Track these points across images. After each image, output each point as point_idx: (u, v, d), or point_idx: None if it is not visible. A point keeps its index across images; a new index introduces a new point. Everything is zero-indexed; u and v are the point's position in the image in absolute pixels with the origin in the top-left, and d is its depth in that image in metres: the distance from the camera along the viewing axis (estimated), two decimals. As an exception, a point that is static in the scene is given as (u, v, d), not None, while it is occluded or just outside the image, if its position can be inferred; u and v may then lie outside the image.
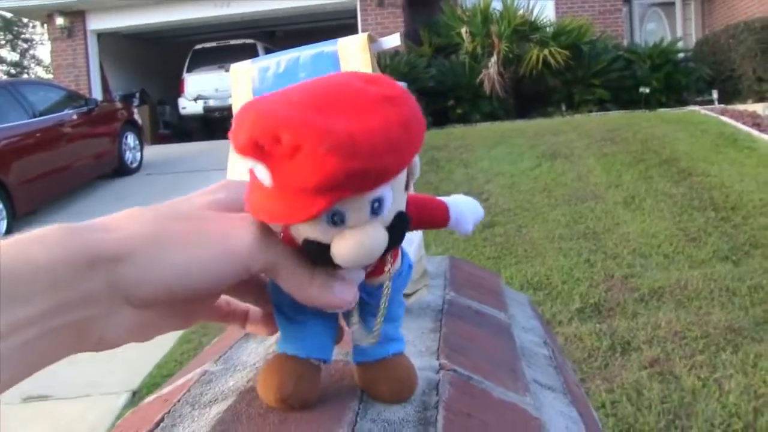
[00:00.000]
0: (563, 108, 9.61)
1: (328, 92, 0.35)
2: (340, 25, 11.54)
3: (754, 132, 6.66)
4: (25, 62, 27.07)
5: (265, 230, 0.37)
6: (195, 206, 0.39)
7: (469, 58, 9.64)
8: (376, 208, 0.35)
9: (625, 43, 11.33)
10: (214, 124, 12.24)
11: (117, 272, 0.33)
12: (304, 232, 0.36)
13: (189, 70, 12.11)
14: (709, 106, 8.88)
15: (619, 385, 2.54)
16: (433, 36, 10.64)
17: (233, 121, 0.34)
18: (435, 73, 9.50)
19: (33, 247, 0.31)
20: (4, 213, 6.16)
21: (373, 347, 0.44)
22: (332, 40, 0.81)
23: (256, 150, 0.33)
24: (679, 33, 12.37)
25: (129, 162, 8.75)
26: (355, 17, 11.29)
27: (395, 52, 9.31)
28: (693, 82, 9.84)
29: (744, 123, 7.10)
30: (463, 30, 9.79)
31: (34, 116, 7.04)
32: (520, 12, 9.88)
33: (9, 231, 6.15)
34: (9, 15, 19.08)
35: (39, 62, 27.00)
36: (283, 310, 0.43)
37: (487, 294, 0.88)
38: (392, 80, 0.36)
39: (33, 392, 3.06)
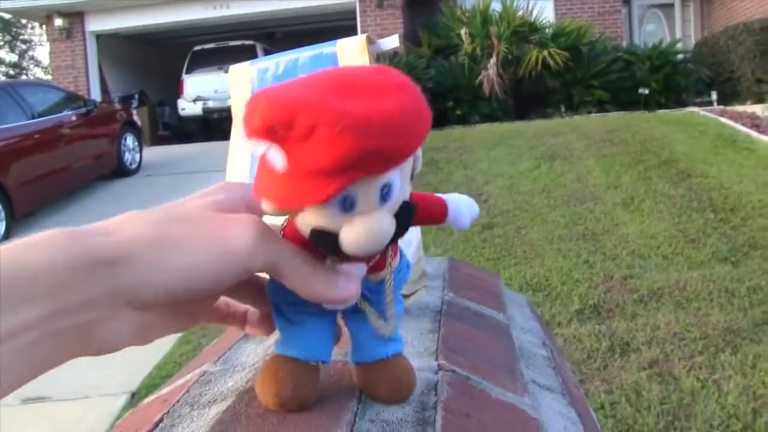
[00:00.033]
0: (562, 109, 9.61)
1: (340, 79, 0.35)
2: (339, 26, 11.54)
3: (753, 133, 6.66)
4: (24, 63, 27.10)
5: (264, 229, 0.37)
6: (194, 208, 0.39)
7: (469, 59, 9.64)
8: (385, 195, 0.36)
9: (625, 44, 11.34)
10: (213, 125, 12.25)
11: (117, 275, 0.33)
12: (313, 220, 0.36)
13: (188, 72, 12.11)
14: (708, 108, 8.89)
15: (618, 386, 2.54)
16: (433, 37, 10.64)
17: (245, 108, 0.35)
18: (434, 74, 9.50)
19: (33, 252, 0.31)
20: (2, 214, 6.16)
21: (373, 348, 0.44)
22: (331, 42, 0.81)
23: (270, 133, 0.33)
24: (679, 34, 12.38)
25: (128, 163, 8.76)
26: (355, 18, 11.29)
27: (394, 54, 9.31)
28: (692, 83, 9.85)
29: (743, 124, 7.11)
30: (463, 31, 9.79)
31: (33, 117, 7.04)
32: (520, 13, 9.88)
33: (8, 232, 6.15)
34: (8, 16, 19.11)
35: (38, 63, 27.03)
36: (282, 310, 0.43)
37: (485, 295, 0.88)
38: (398, 71, 0.37)
39: (32, 394, 3.06)
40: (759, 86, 9.07)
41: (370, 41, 0.79)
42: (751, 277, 3.48)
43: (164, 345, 3.49)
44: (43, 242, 0.32)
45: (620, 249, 4.09)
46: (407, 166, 0.38)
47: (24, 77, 24.74)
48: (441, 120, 9.18)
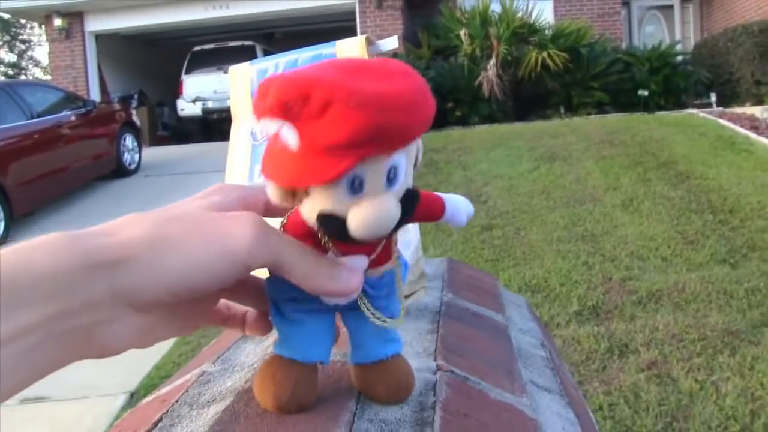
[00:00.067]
0: (562, 110, 9.61)
1: (352, 64, 0.37)
2: (339, 27, 11.53)
3: (752, 135, 6.67)
4: (23, 63, 27.08)
5: (263, 226, 0.38)
6: (192, 209, 0.39)
7: (468, 60, 9.64)
8: (391, 177, 0.37)
9: (624, 45, 11.35)
10: (212, 125, 12.24)
11: (119, 277, 0.33)
12: (320, 204, 0.37)
13: (187, 72, 12.10)
14: (708, 109, 8.90)
15: (616, 388, 2.54)
16: (432, 38, 10.64)
17: (257, 91, 0.36)
18: (433, 75, 9.50)
19: (34, 255, 0.31)
20: (1, 215, 6.15)
21: (372, 348, 0.44)
22: (330, 42, 0.81)
23: (284, 110, 0.34)
24: (678, 36, 12.40)
25: (127, 163, 8.75)
26: (354, 19, 11.29)
27: (394, 55, 9.01)
28: (691, 85, 9.86)
29: (742, 126, 7.12)
30: (462, 32, 9.79)
31: (32, 117, 7.03)
32: (519, 14, 9.88)
33: (7, 232, 6.14)
34: (7, 16, 19.10)
35: (37, 63, 27.01)
36: (281, 308, 0.43)
37: (484, 296, 0.88)
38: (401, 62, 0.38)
39: (31, 394, 3.06)
40: (758, 88, 9.08)
41: (370, 42, 0.79)
42: (749, 279, 3.48)
43: (163, 345, 3.49)
44: (44, 245, 0.32)
45: (619, 250, 4.09)
46: (411, 151, 0.39)
47: (23, 77, 24.72)
48: (440, 121, 9.17)
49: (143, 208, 0.38)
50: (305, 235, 0.40)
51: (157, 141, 12.83)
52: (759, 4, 10.36)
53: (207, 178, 7.30)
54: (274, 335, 0.45)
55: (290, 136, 0.34)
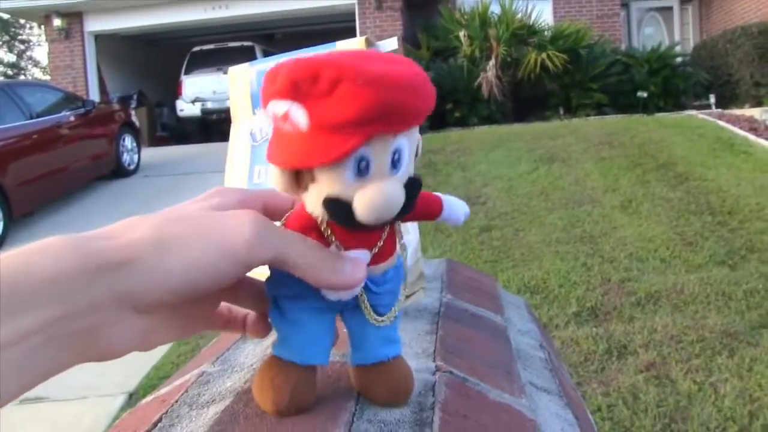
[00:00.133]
0: (561, 112, 9.62)
1: (358, 51, 0.39)
2: (338, 27, 11.54)
3: (751, 136, 6.68)
4: (22, 63, 27.05)
5: (262, 222, 0.38)
6: (192, 210, 0.39)
7: (467, 61, 9.65)
8: (396, 161, 0.38)
9: (623, 47, 11.35)
10: (211, 126, 12.23)
11: (120, 279, 0.33)
12: (327, 188, 0.37)
13: (187, 72, 12.10)
14: (707, 111, 8.91)
15: (615, 389, 2.54)
16: (432, 39, 10.64)
17: (264, 78, 0.37)
18: (433, 76, 9.48)
19: (35, 259, 0.31)
20: (1, 215, 6.15)
21: (372, 350, 0.44)
22: (330, 43, 0.81)
23: (293, 90, 0.35)
24: (677, 37, 12.41)
25: (126, 164, 8.75)
26: (354, 20, 11.29)
27: None
28: (690, 86, 9.87)
29: (741, 127, 7.13)
30: (462, 33, 9.80)
31: (31, 118, 7.02)
32: (518, 16, 9.89)
33: (6, 233, 6.14)
34: (6, 16, 19.08)
35: (36, 63, 26.99)
36: (280, 306, 0.43)
37: (483, 297, 0.88)
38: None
39: (30, 394, 3.03)
40: (757, 90, 9.10)
41: (369, 43, 0.79)
42: (748, 280, 3.48)
43: (162, 346, 3.48)
44: (45, 249, 0.32)
45: (618, 252, 4.10)
46: (414, 138, 0.40)
47: (22, 77, 24.71)
48: (439, 122, 9.18)
49: (142, 209, 0.38)
50: (307, 229, 0.40)
51: (157, 141, 12.83)
52: (758, 5, 10.37)
53: (206, 179, 7.30)
54: (273, 336, 0.45)
55: (299, 116, 0.35)
